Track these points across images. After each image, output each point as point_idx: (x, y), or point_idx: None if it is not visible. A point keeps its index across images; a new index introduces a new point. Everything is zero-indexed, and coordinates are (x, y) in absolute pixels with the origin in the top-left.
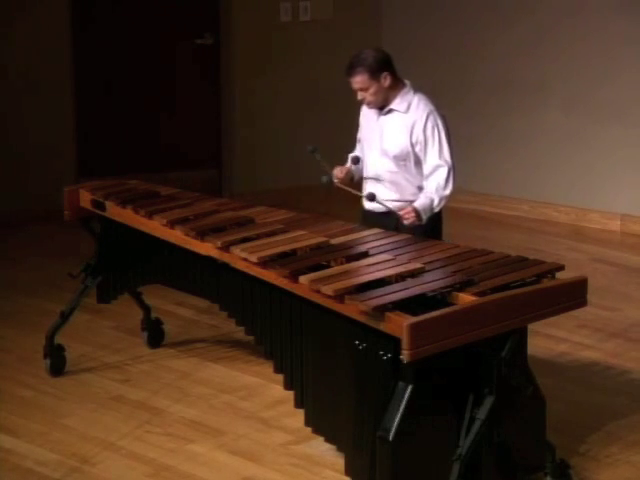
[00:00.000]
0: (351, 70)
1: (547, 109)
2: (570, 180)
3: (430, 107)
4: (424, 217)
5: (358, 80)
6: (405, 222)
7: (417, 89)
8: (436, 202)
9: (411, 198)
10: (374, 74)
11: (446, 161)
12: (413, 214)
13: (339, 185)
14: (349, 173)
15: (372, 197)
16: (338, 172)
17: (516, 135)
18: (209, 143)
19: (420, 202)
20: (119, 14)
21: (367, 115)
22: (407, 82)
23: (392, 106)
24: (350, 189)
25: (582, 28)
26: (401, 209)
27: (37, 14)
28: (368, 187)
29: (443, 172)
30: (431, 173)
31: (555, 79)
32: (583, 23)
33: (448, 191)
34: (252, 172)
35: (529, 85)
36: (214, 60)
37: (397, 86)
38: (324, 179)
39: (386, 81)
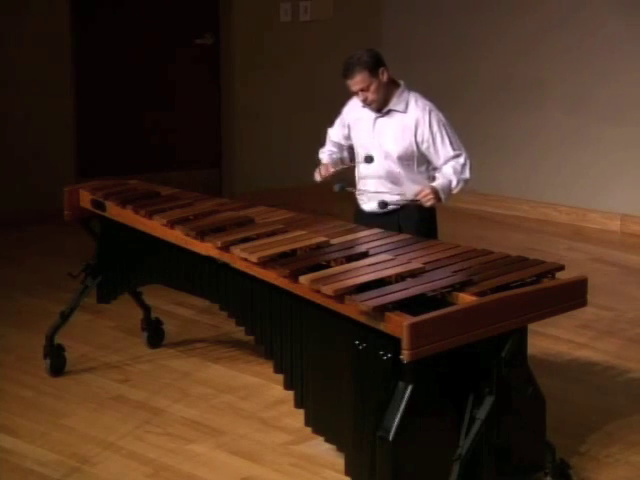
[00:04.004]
0: (349, 72)
1: (547, 109)
2: (570, 180)
3: (428, 103)
4: (443, 197)
5: (358, 80)
6: (426, 204)
7: (410, 88)
8: (454, 183)
9: (412, 197)
10: (373, 70)
11: (461, 150)
12: (432, 195)
13: (350, 189)
14: (333, 168)
15: (384, 205)
16: (324, 171)
17: (516, 135)
18: (209, 143)
19: (438, 182)
20: (119, 14)
21: (359, 120)
22: (401, 82)
23: (390, 107)
24: (368, 191)
25: (582, 28)
26: (418, 193)
27: (37, 14)
28: (369, 187)
29: (461, 159)
30: (447, 162)
31: (555, 79)
32: (583, 23)
33: (466, 175)
34: (252, 172)
35: (529, 85)
36: (214, 60)
37: (393, 85)
38: (337, 187)
39: (384, 76)
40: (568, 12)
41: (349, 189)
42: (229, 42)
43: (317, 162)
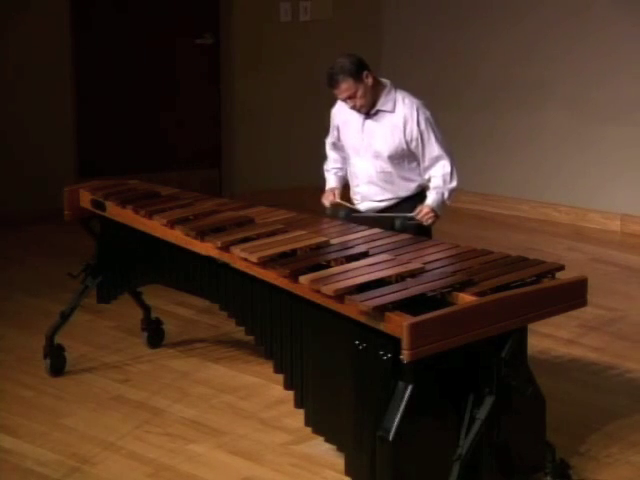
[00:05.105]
0: (334, 81)
1: (547, 109)
2: (570, 180)
3: (415, 101)
4: (440, 213)
5: (344, 88)
6: (426, 223)
7: (397, 86)
8: (447, 195)
9: (404, 194)
10: (357, 76)
11: (446, 151)
12: (432, 214)
13: (355, 215)
14: (339, 191)
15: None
16: (331, 197)
17: (516, 135)
18: (209, 143)
19: (432, 199)
20: (119, 14)
21: (347, 121)
22: (387, 81)
23: (378, 107)
24: (372, 214)
25: (582, 28)
26: (418, 213)
27: (37, 14)
28: (360, 190)
29: (446, 165)
30: (432, 165)
31: (556, 79)
32: (583, 23)
33: (455, 183)
34: (252, 172)
35: (529, 85)
36: (214, 60)
37: (379, 85)
38: (342, 214)
39: (369, 79)
40: (568, 12)
41: (354, 215)
42: (229, 42)
43: (322, 178)
